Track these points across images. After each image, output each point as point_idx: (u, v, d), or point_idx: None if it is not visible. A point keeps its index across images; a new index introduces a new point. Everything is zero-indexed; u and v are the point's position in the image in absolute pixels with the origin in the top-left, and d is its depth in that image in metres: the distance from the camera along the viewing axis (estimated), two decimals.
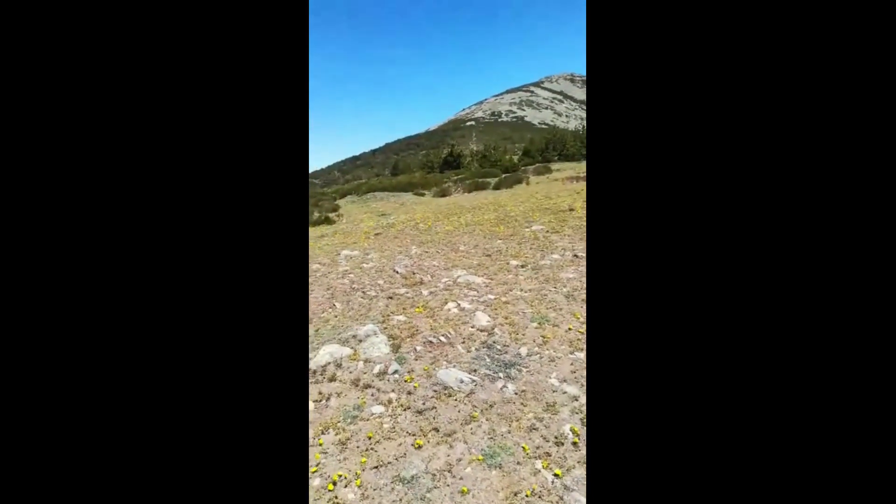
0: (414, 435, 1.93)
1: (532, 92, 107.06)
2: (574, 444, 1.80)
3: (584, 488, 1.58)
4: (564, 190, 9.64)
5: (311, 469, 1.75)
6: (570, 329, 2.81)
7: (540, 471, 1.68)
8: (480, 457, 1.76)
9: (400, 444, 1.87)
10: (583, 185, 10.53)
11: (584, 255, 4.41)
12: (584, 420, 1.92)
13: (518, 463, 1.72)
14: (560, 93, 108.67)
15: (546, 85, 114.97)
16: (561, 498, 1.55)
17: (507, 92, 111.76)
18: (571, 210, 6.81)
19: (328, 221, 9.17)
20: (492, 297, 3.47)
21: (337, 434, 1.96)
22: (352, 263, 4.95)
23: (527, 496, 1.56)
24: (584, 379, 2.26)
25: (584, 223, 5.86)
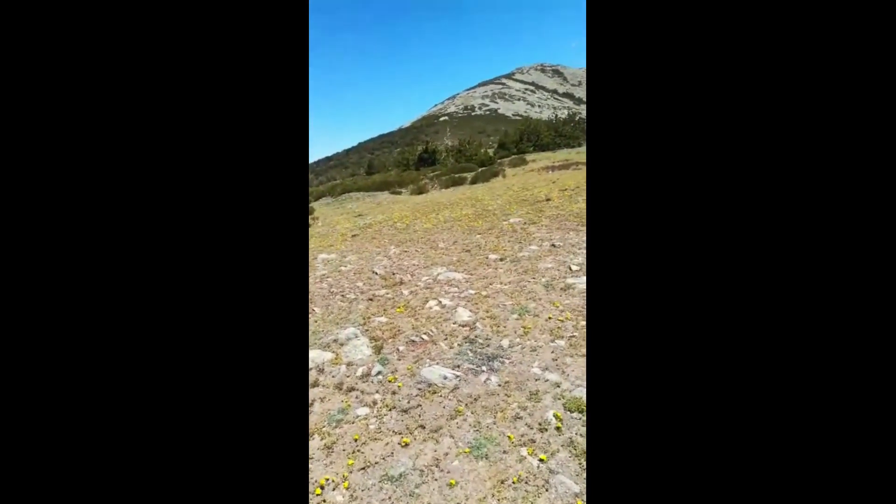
0: (400, 433, 1.94)
1: (504, 84, 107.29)
2: (557, 429, 1.84)
3: (569, 471, 1.62)
4: (541, 180, 9.76)
5: None
6: (549, 318, 2.86)
7: (525, 457, 1.71)
8: (467, 449, 1.79)
9: (387, 444, 1.88)
10: (558, 174, 10.65)
11: (561, 244, 4.49)
12: (567, 405, 1.97)
13: (504, 452, 1.76)
14: (532, 83, 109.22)
15: (518, 76, 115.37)
16: (547, 481, 1.59)
17: (480, 85, 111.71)
18: (548, 200, 6.90)
19: None
20: (472, 292, 3.50)
21: (322, 438, 1.95)
22: (329, 267, 4.89)
23: (514, 483, 1.60)
24: (565, 366, 2.31)
25: (560, 212, 5.95)
